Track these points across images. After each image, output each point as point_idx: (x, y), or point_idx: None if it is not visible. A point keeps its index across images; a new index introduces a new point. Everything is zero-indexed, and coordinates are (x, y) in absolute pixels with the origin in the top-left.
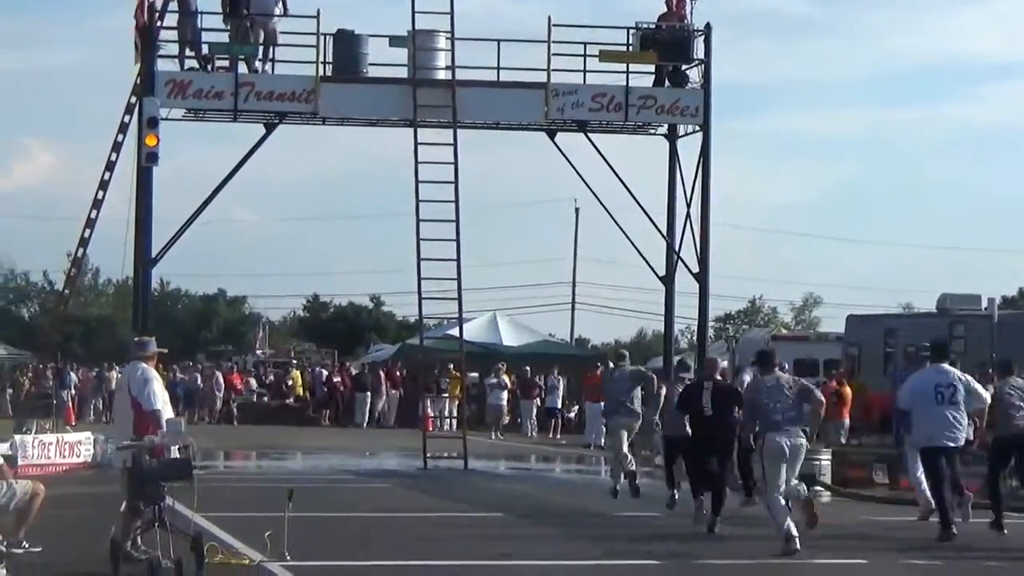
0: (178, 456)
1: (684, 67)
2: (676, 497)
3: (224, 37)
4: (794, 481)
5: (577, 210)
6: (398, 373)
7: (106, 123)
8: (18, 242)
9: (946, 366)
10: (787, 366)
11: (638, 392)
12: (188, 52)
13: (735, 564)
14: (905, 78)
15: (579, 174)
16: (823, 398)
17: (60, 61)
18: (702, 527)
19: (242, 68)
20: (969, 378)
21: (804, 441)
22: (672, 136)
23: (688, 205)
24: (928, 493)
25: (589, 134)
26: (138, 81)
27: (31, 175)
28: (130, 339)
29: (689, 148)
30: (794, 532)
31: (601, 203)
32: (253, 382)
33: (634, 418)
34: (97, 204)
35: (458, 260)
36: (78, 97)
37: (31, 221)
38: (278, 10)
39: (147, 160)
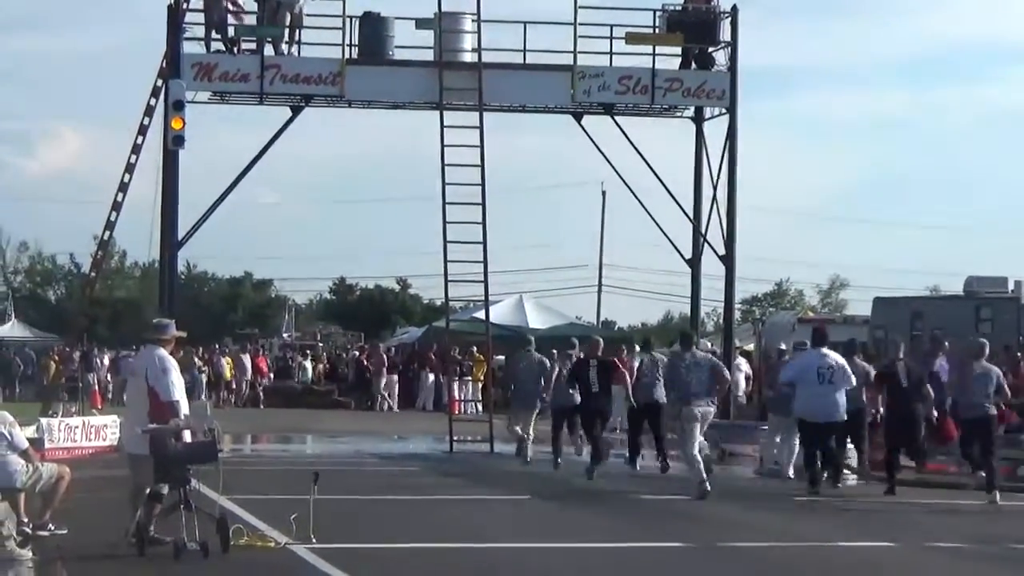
0: (203, 439)
1: (711, 49)
2: (560, 461)
3: (251, 20)
4: (701, 439)
5: (604, 193)
6: (432, 356)
7: (135, 106)
8: (46, 225)
9: (825, 350)
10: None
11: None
12: (214, 34)
13: (762, 547)
14: (936, 60)
15: (605, 157)
16: (728, 376)
17: (90, 43)
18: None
19: (268, 51)
20: (844, 362)
21: (712, 409)
22: (699, 119)
23: (715, 187)
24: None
25: (615, 117)
26: (164, 64)
27: (60, 158)
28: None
29: (716, 130)
30: (704, 476)
31: (627, 186)
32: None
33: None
34: (123, 187)
35: (484, 243)
36: (108, 79)
37: (60, 204)
38: None
39: (173, 143)
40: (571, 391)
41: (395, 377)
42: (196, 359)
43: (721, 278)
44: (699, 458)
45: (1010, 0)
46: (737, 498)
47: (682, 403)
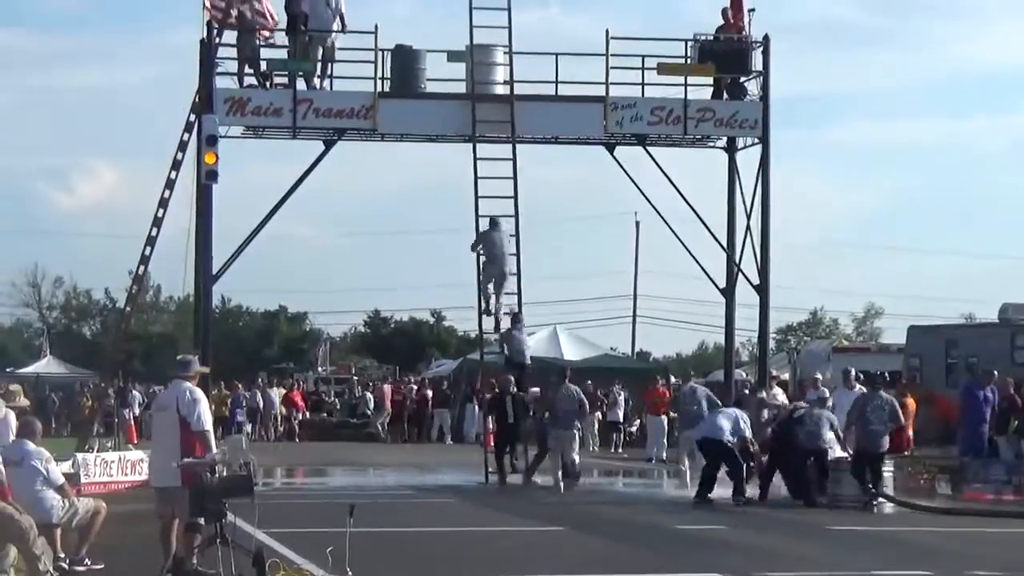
0: (239, 472)
1: (743, 79)
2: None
3: (283, 54)
4: (575, 457)
5: (637, 223)
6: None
7: (169, 141)
8: (82, 260)
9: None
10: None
11: None
12: (247, 69)
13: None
14: (969, 87)
15: (638, 187)
16: (587, 406)
17: (125, 78)
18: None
19: (300, 84)
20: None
21: (573, 432)
22: (731, 149)
23: (748, 217)
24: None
25: (648, 147)
26: (197, 99)
27: (95, 193)
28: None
29: (749, 160)
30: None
31: (661, 216)
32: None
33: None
34: (158, 222)
35: (519, 274)
36: (142, 114)
37: (95, 239)
38: (336, 25)
39: (207, 178)
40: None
41: (446, 411)
42: (243, 393)
43: (755, 307)
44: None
45: None
46: (771, 527)
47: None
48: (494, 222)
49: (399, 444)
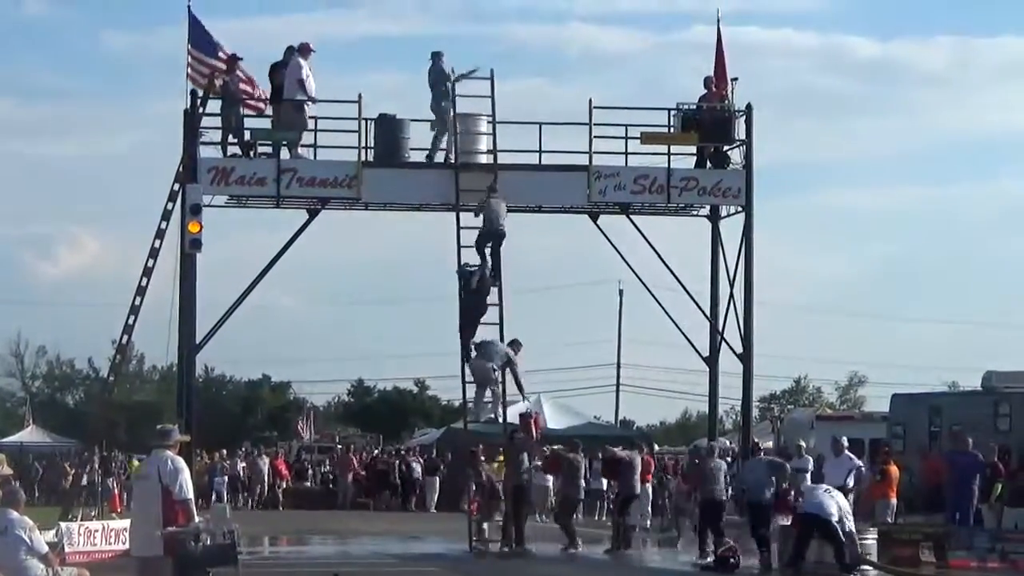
0: (222, 541)
1: (726, 148)
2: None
3: (266, 123)
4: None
5: (621, 292)
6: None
7: (153, 210)
8: (65, 329)
9: None
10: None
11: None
12: (230, 139)
13: None
14: (953, 155)
15: (622, 256)
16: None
17: (108, 148)
18: None
19: (284, 154)
20: None
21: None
22: (715, 217)
23: (731, 285)
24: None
25: (631, 216)
26: (181, 168)
27: (78, 262)
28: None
29: (732, 228)
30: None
31: (644, 285)
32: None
33: None
34: (141, 291)
35: (502, 342)
36: (126, 184)
37: (78, 308)
38: (300, 95)
39: (190, 247)
40: None
41: (436, 479)
42: (223, 463)
43: (739, 375)
44: None
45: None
46: None
47: None
48: (492, 188)
49: (381, 512)
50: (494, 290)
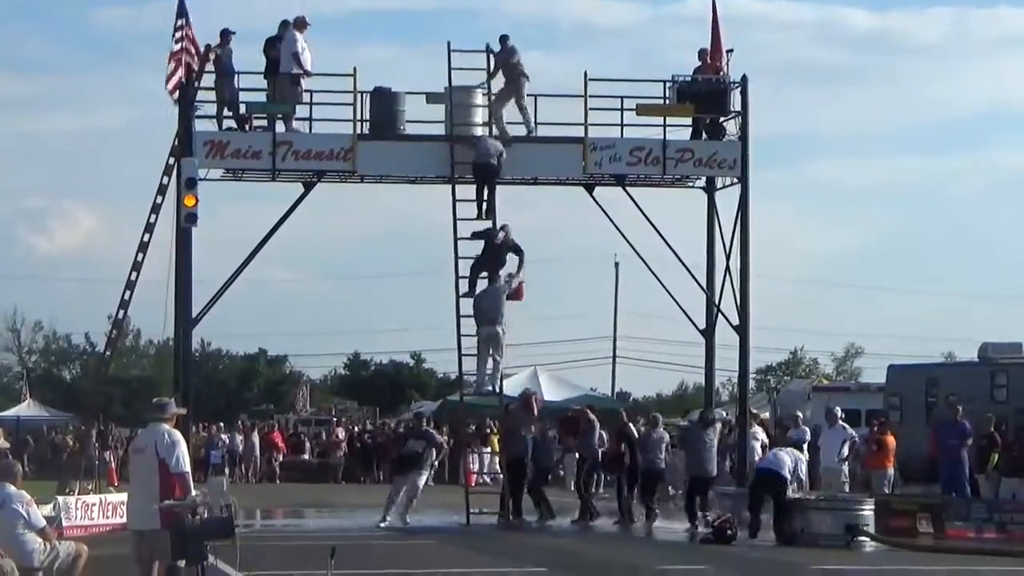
0: (220, 515)
1: (721, 119)
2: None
3: (262, 97)
4: None
5: (617, 264)
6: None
7: (148, 184)
8: (61, 305)
9: None
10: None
11: None
12: (226, 112)
13: None
14: (947, 126)
15: (618, 228)
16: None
17: (103, 122)
18: None
19: (280, 127)
20: None
21: None
22: (710, 189)
23: (727, 257)
24: None
25: (627, 188)
26: (176, 142)
27: (74, 237)
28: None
29: (728, 199)
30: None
31: (640, 257)
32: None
33: None
34: (137, 266)
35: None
36: (121, 158)
37: (74, 284)
38: (295, 68)
39: (186, 221)
40: None
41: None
42: (222, 436)
43: (735, 347)
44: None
45: (1019, 65)
46: (755, 568)
47: None
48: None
49: (379, 484)
50: (501, 234)
